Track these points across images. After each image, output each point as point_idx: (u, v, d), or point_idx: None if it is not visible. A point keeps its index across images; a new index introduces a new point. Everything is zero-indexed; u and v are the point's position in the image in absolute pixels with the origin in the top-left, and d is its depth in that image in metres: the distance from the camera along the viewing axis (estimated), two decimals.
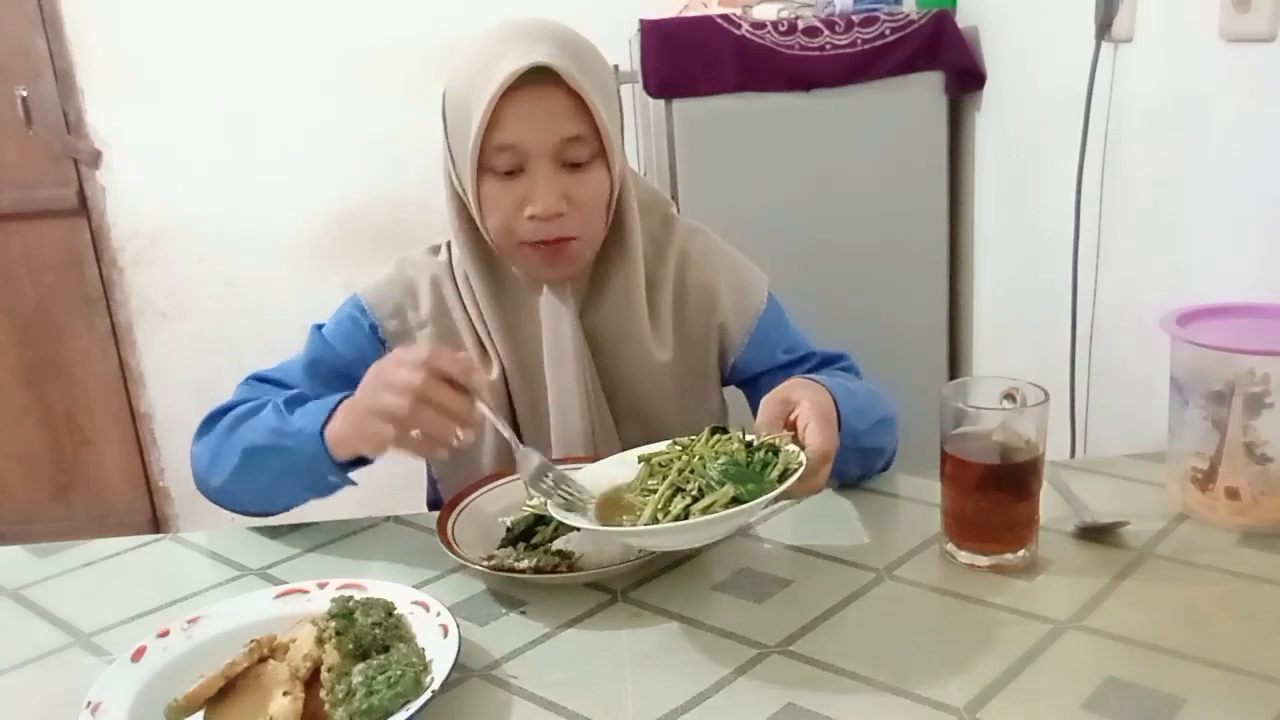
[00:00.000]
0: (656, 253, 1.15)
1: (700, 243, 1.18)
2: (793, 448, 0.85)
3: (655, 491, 0.84)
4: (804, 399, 0.90)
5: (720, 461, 0.83)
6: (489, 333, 1.11)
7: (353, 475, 1.00)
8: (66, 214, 2.75)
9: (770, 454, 0.85)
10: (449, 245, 1.15)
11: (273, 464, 1.00)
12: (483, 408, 0.92)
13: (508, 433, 0.93)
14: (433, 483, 1.26)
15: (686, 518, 0.79)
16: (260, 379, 1.13)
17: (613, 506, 0.88)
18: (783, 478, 0.81)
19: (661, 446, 0.92)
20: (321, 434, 0.96)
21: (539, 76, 0.98)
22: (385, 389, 0.90)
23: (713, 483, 0.81)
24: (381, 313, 1.13)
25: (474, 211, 1.06)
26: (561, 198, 1.02)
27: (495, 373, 1.11)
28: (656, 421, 1.15)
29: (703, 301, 1.16)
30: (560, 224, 1.03)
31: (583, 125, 1.01)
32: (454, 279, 1.14)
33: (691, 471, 0.84)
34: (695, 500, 0.80)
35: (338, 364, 1.11)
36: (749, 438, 0.88)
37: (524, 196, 1.02)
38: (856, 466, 1.05)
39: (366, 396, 0.93)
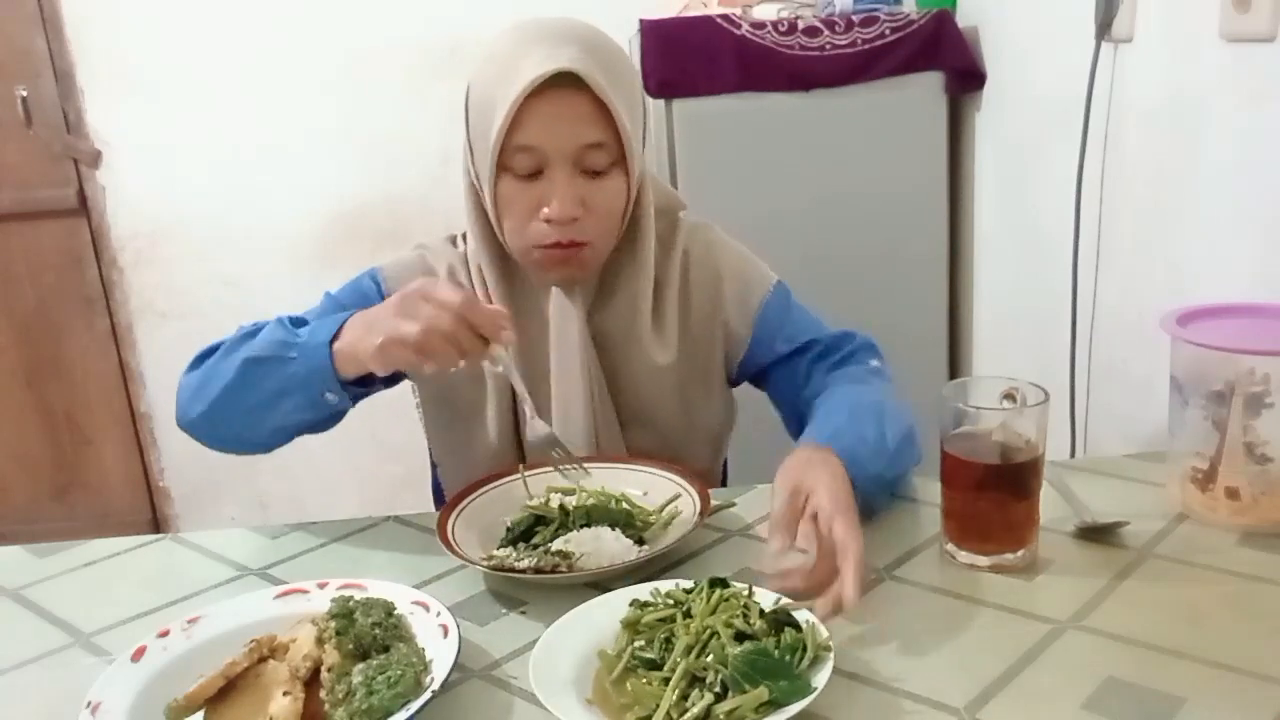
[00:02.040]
0: (663, 253, 1.14)
1: (704, 239, 1.17)
2: (811, 618, 0.76)
3: (651, 666, 0.74)
4: (818, 485, 0.83)
5: (744, 650, 0.71)
6: None
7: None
8: (66, 214, 2.75)
9: (791, 629, 0.75)
10: (464, 237, 1.16)
11: (270, 377, 0.98)
12: (503, 355, 0.93)
13: (521, 388, 0.97)
14: (435, 471, 1.25)
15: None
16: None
17: (606, 687, 0.74)
18: (813, 658, 0.73)
19: (646, 593, 0.82)
20: (329, 346, 0.95)
21: (563, 80, 0.97)
22: (408, 318, 0.89)
23: (738, 677, 0.70)
24: (396, 287, 1.12)
25: (490, 210, 1.06)
26: (578, 203, 1.02)
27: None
28: (661, 424, 1.15)
29: (706, 300, 1.15)
30: (574, 228, 1.02)
31: (604, 132, 1.01)
32: (468, 271, 1.14)
33: (703, 648, 0.73)
34: (718, 699, 0.69)
35: None
36: (756, 598, 0.79)
37: (540, 199, 1.02)
38: (886, 498, 1.01)
39: (387, 318, 0.91)
